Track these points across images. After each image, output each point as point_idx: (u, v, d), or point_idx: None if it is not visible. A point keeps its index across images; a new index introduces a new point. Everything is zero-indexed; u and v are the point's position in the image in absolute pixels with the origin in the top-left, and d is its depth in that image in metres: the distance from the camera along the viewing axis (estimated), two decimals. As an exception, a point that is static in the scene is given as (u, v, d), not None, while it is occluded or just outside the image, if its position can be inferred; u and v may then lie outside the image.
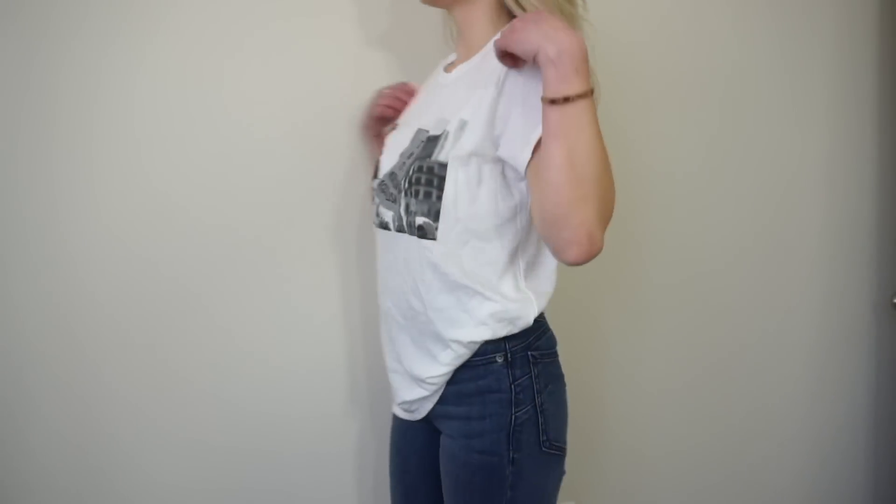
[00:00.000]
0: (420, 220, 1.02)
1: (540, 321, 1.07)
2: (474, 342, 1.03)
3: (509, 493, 1.01)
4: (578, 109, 0.86)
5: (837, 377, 1.74)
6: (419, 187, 1.01)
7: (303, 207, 1.41)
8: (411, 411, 1.13)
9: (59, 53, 1.31)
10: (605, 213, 0.89)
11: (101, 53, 1.32)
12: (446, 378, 1.06)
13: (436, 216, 1.00)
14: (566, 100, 0.86)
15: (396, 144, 1.13)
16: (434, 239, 1.01)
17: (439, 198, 1.00)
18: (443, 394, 1.06)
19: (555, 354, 1.08)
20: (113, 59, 1.33)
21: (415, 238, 1.03)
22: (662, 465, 1.66)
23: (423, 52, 1.38)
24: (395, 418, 1.21)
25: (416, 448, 1.17)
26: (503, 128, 0.97)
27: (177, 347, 1.39)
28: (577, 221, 0.86)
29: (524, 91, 0.95)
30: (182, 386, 1.40)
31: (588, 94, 0.87)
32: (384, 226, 1.10)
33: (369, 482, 1.49)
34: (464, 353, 1.03)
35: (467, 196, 0.99)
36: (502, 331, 1.03)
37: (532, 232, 1.04)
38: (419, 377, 1.07)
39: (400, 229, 1.06)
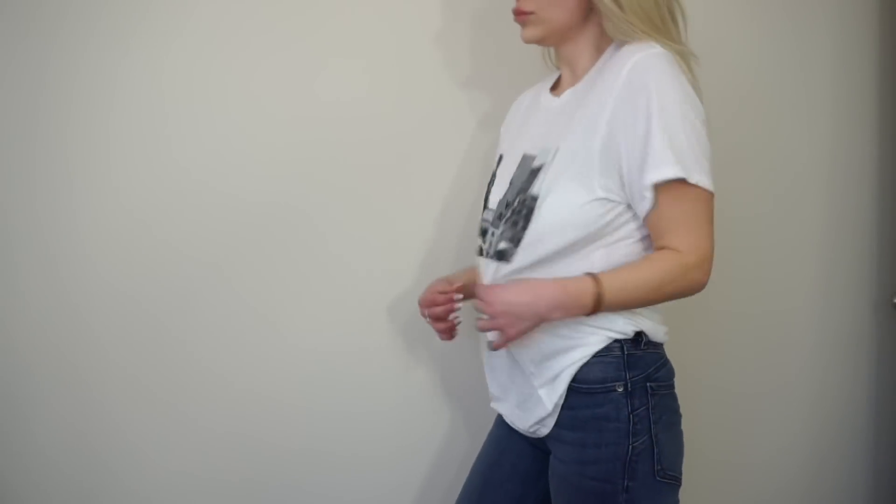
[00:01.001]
0: (502, 244, 1.08)
1: (659, 352, 1.08)
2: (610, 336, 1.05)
3: None
4: (608, 302, 0.99)
5: (837, 377, 1.74)
6: (511, 216, 1.07)
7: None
8: (531, 432, 1.12)
9: (74, 52, 1.34)
10: (685, 291, 1.03)
11: (118, 49, 1.34)
12: (568, 379, 1.05)
13: (517, 242, 1.05)
14: (594, 312, 1.00)
15: (506, 173, 1.15)
16: (506, 261, 1.07)
17: (524, 228, 1.04)
18: (561, 417, 1.06)
19: (672, 387, 1.09)
20: (130, 53, 1.35)
21: (494, 261, 1.09)
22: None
23: (432, 53, 1.39)
24: (497, 424, 1.24)
25: (518, 450, 1.18)
26: (619, 160, 1.00)
27: (194, 337, 1.40)
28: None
29: (626, 126, 0.99)
30: (199, 377, 1.41)
31: (597, 300, 0.98)
32: (492, 255, 1.11)
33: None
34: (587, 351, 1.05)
35: (560, 223, 1.02)
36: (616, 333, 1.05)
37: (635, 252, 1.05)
38: (537, 384, 1.08)
39: (489, 254, 1.12)
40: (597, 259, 1.03)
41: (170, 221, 1.38)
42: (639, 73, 0.98)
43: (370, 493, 1.50)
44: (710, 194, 1.00)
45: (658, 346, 1.08)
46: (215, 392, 1.42)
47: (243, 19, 1.38)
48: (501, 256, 1.08)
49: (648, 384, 1.04)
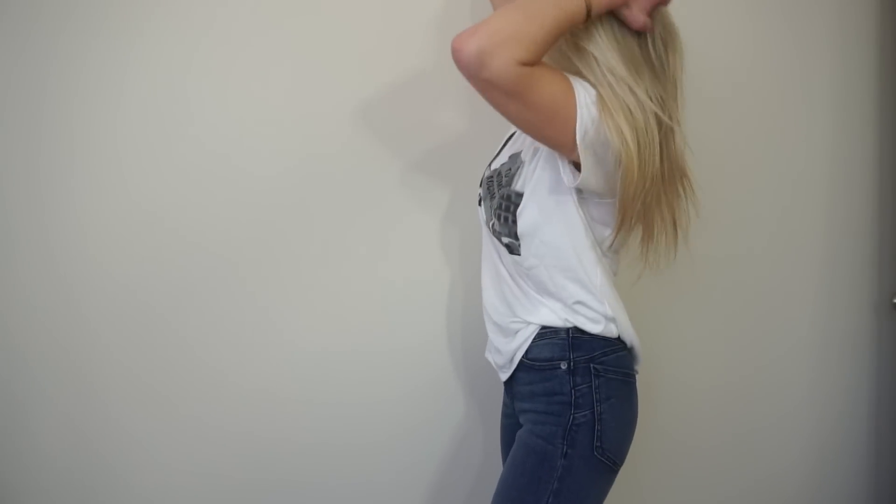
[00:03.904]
0: (505, 239, 1.15)
1: (608, 340, 1.16)
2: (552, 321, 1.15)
3: (556, 483, 1.10)
4: None
5: (837, 377, 1.74)
6: (501, 212, 1.15)
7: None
8: (500, 367, 1.24)
9: (80, 48, 1.33)
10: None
11: (123, 44, 1.34)
12: (529, 331, 1.16)
13: (516, 237, 1.14)
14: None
15: (514, 144, 1.23)
16: (518, 254, 1.14)
17: (514, 222, 1.13)
18: (520, 392, 1.19)
19: (625, 375, 1.17)
20: (135, 48, 1.35)
21: (504, 248, 1.17)
22: (658, 462, 1.66)
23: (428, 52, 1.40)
24: (501, 421, 1.33)
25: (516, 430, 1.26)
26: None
27: (196, 335, 1.41)
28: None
29: None
30: (201, 375, 1.41)
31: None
32: (510, 249, 1.19)
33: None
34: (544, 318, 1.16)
35: (542, 222, 1.11)
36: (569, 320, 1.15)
37: (611, 253, 1.17)
38: (509, 321, 1.19)
39: (491, 234, 1.19)
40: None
41: (172, 219, 1.38)
42: None
43: (375, 493, 1.50)
44: None
45: (607, 337, 1.15)
46: (217, 389, 1.42)
47: (242, 20, 1.38)
48: (511, 249, 1.16)
49: (592, 365, 1.13)
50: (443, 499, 1.52)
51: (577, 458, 1.10)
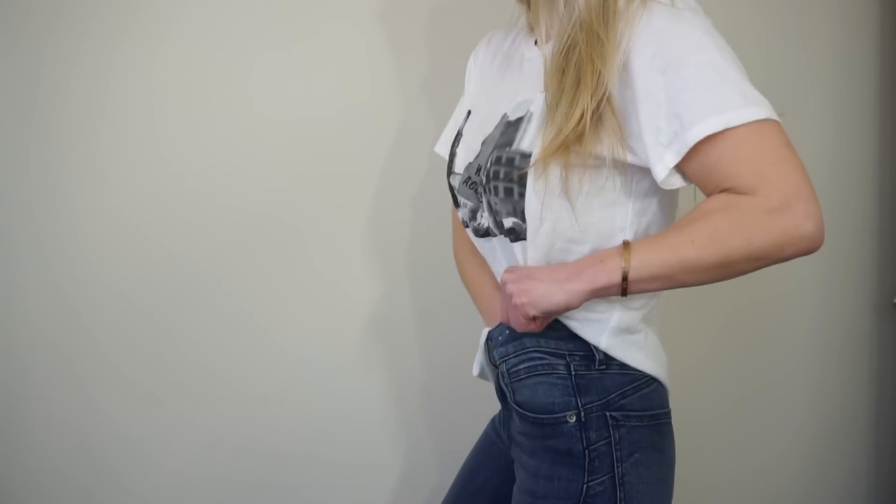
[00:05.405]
0: (508, 221, 0.88)
1: (629, 373, 0.88)
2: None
3: None
4: (642, 258, 0.79)
5: (837, 377, 1.73)
6: (498, 183, 0.87)
7: (332, 195, 1.44)
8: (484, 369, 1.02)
9: (68, 53, 1.33)
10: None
11: (112, 50, 1.34)
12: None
13: (522, 216, 0.86)
14: (626, 280, 0.78)
15: (477, 132, 0.97)
16: (525, 239, 0.88)
17: (522, 195, 0.85)
18: (517, 440, 0.94)
19: (655, 417, 0.90)
20: (124, 50, 1.34)
21: (507, 240, 0.91)
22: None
23: (435, 49, 1.40)
24: (487, 427, 1.11)
25: (493, 465, 1.06)
26: (629, 124, 0.82)
27: (192, 338, 1.41)
28: None
29: (654, 80, 0.80)
30: (197, 378, 1.41)
31: (623, 253, 0.79)
32: (482, 233, 0.95)
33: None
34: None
35: (556, 193, 0.84)
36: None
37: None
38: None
39: (490, 232, 0.94)
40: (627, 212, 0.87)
41: (166, 223, 1.38)
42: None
43: (364, 498, 1.50)
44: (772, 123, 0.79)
45: (627, 366, 0.88)
46: (212, 393, 1.42)
47: (237, 23, 1.38)
48: (515, 236, 0.89)
49: (609, 413, 0.86)
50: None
51: None
